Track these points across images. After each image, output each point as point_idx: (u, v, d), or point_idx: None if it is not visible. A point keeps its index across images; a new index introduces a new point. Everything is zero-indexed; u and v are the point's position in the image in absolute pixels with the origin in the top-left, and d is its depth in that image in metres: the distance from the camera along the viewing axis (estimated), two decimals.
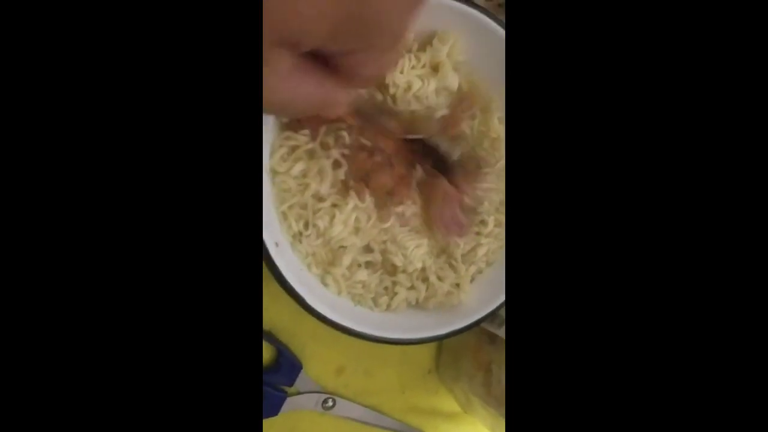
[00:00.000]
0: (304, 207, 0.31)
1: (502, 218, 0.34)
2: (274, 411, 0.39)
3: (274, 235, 0.30)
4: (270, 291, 0.38)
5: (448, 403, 0.44)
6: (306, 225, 0.32)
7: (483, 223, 0.34)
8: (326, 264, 0.33)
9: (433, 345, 0.43)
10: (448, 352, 0.42)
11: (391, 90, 0.31)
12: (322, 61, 0.20)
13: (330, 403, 0.40)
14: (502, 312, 0.34)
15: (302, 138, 0.31)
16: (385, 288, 0.34)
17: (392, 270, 0.34)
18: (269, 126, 0.30)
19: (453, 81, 0.32)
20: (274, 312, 0.39)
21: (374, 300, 0.34)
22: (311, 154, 0.31)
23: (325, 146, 0.31)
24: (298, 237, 0.32)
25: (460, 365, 0.40)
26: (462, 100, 0.33)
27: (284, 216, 0.31)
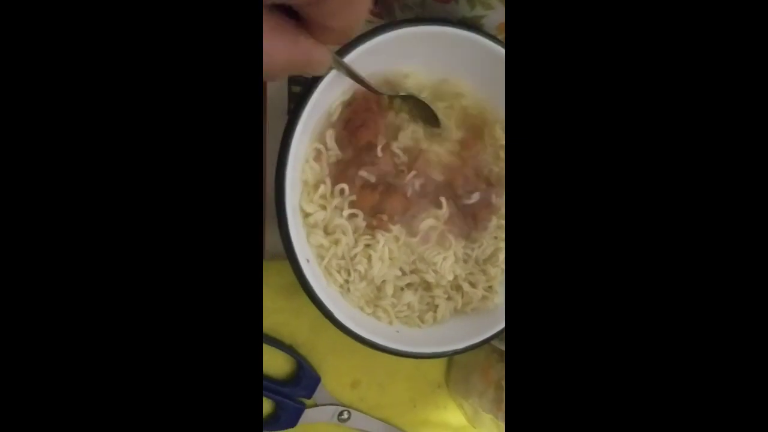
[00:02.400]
0: (341, 258, 0.33)
1: None
2: (293, 422, 0.40)
3: (304, 251, 0.32)
4: (292, 306, 0.40)
5: (457, 417, 0.45)
6: (348, 272, 0.33)
7: (500, 227, 0.36)
8: (375, 299, 0.34)
9: (443, 360, 0.45)
10: (457, 368, 0.44)
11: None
12: (293, 18, 0.21)
13: (345, 416, 0.41)
14: None
15: (317, 167, 0.32)
16: (427, 304, 0.36)
17: (428, 286, 0.35)
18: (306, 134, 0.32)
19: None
20: (296, 326, 0.40)
21: (420, 318, 0.35)
22: (326, 204, 0.33)
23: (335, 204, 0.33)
24: (345, 287, 0.34)
25: (470, 381, 0.42)
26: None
27: (327, 272, 0.33)
